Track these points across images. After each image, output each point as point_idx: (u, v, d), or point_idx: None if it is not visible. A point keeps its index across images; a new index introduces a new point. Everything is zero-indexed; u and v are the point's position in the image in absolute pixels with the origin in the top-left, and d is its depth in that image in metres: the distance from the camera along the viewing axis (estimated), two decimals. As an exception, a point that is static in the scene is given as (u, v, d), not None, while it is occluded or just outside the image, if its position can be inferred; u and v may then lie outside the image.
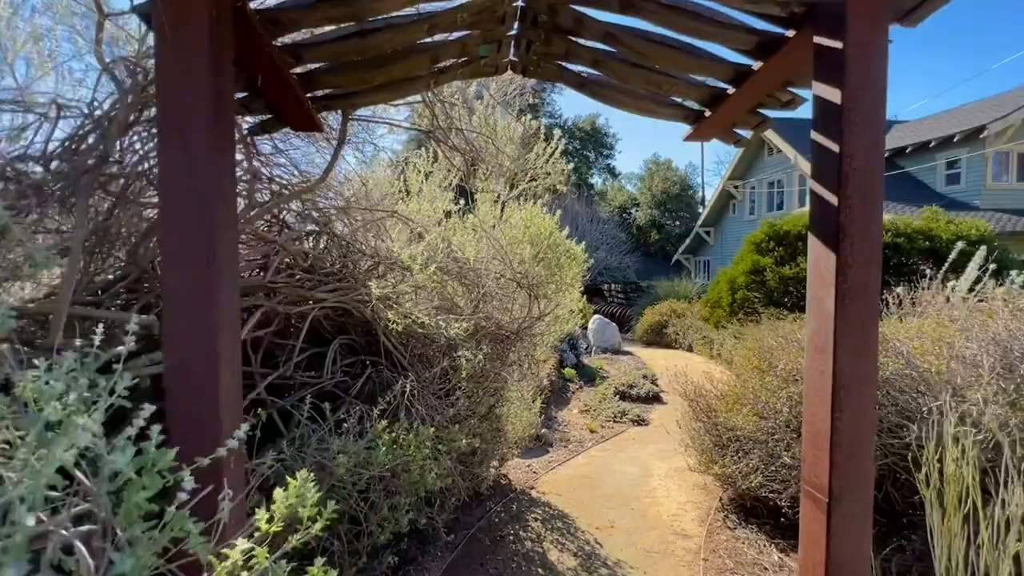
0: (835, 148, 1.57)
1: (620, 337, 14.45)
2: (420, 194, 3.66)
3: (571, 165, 4.34)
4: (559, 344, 11.56)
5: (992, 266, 5.04)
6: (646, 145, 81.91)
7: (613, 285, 31.85)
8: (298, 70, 2.10)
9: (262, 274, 3.00)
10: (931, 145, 15.95)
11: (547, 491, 5.27)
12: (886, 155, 17.88)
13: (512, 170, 4.08)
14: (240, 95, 2.21)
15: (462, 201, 3.68)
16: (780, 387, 4.45)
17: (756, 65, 2.00)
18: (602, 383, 10.29)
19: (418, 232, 3.34)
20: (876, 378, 1.59)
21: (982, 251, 5.28)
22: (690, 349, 14.34)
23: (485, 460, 4.27)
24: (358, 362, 3.51)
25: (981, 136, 14.56)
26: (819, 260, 1.67)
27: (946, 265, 5.20)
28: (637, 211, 36.99)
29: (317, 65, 2.16)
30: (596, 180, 35.59)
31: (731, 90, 2.19)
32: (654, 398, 9.08)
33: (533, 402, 5.36)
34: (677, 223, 34.10)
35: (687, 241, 26.30)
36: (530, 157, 4.41)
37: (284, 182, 3.13)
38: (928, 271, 5.37)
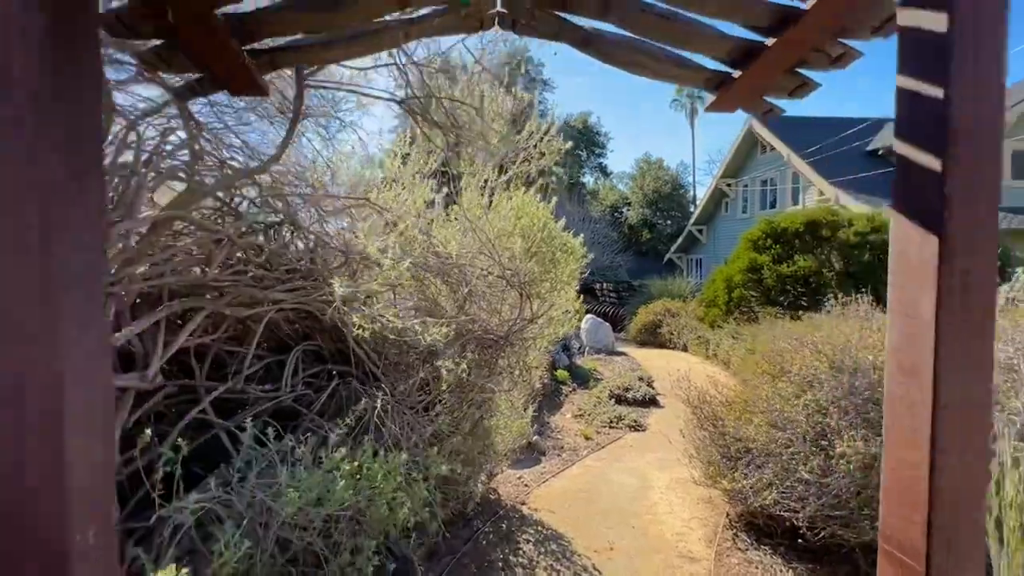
0: (936, 93, 1.14)
1: (613, 337, 14.08)
2: (397, 182, 3.23)
3: (569, 144, 3.91)
4: (551, 346, 11.15)
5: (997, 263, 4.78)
6: (638, 144, 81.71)
7: (605, 284, 31.47)
8: (227, 9, 1.65)
9: (204, 271, 2.54)
10: (926, 142, 15.70)
11: (540, 507, 4.84)
12: (879, 152, 17.68)
13: (500, 150, 3.65)
14: (154, 44, 1.75)
15: (444, 190, 3.25)
16: (796, 394, 4.05)
17: (807, 3, 1.58)
18: (596, 385, 9.89)
19: (393, 222, 2.90)
20: (992, 408, 1.20)
21: None
22: (685, 349, 14.00)
23: (472, 477, 3.84)
24: (324, 372, 3.06)
25: (977, 133, 14.33)
26: (908, 246, 1.23)
27: None
28: (629, 210, 36.66)
29: (251, 9, 1.71)
30: (588, 179, 35.27)
31: (768, 42, 1.76)
32: (651, 402, 8.69)
33: (525, 410, 4.93)
34: (669, 222, 33.82)
35: (679, 240, 26.02)
36: (522, 136, 3.97)
37: (239, 166, 2.68)
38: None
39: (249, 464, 2.02)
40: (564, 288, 3.33)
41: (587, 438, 6.94)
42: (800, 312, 10.24)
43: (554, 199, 3.74)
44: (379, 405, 2.62)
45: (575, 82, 61.52)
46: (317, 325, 3.04)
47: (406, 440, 2.59)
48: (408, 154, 3.21)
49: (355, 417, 2.51)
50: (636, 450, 6.56)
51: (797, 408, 3.94)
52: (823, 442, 3.73)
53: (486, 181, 3.60)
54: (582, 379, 10.50)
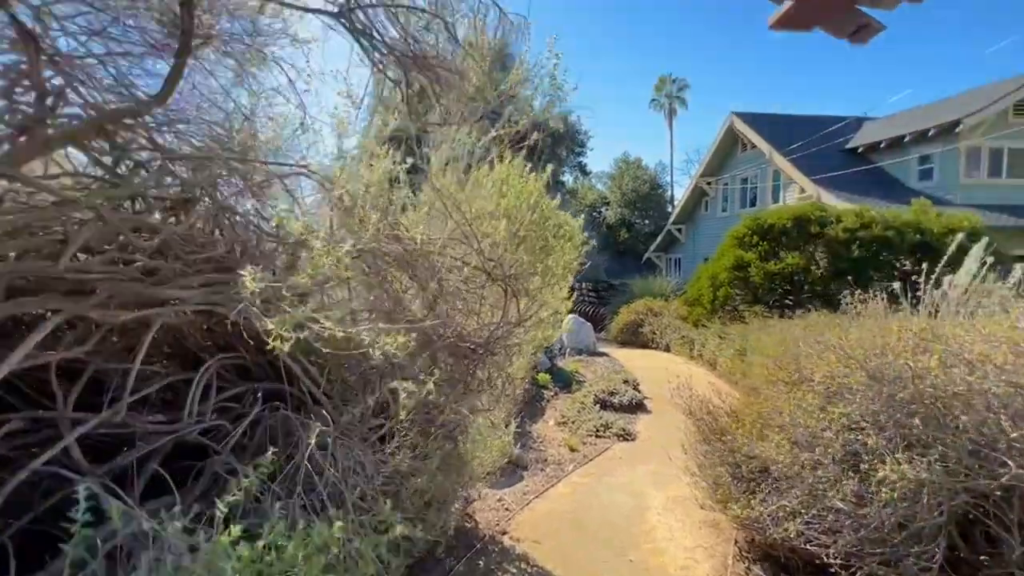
0: None
1: (595, 337, 13.53)
2: (346, 153, 2.53)
3: (574, 85, 3.25)
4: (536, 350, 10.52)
5: (990, 259, 4.34)
6: (617, 143, 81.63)
7: (584, 284, 31.06)
8: None
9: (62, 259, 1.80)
10: (905, 140, 15.61)
11: (522, 536, 4.18)
12: (859, 150, 17.57)
13: (481, 101, 2.98)
14: None
15: (410, 159, 2.57)
16: (821, 407, 3.48)
17: None
18: (579, 389, 9.29)
19: (341, 199, 2.20)
20: None
21: (982, 243, 4.53)
22: (667, 349, 13.53)
23: (443, 508, 3.16)
24: (249, 394, 2.34)
25: (956, 131, 14.26)
26: None
27: (944, 259, 4.44)
28: (607, 210, 36.32)
29: None
30: (567, 178, 34.76)
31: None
32: (638, 406, 8.12)
33: (507, 426, 4.28)
34: (647, 222, 33.60)
35: (659, 239, 25.71)
36: (509, 80, 3.29)
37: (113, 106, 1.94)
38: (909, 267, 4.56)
39: (93, 550, 1.30)
40: (558, 283, 2.68)
41: (573, 449, 6.32)
42: (788, 311, 9.86)
43: (549, 167, 3.08)
44: (314, 440, 1.92)
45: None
46: (237, 331, 2.31)
47: (351, 489, 1.90)
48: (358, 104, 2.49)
49: (278, 459, 1.81)
50: (627, 463, 5.97)
51: (822, 423, 3.37)
52: (859, 464, 3.17)
53: (465, 146, 2.91)
54: (564, 382, 9.89)
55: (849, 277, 10.17)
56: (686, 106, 36.58)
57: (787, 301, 10.64)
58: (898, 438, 3.09)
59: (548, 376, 9.63)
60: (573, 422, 7.33)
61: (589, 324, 13.38)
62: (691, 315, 12.56)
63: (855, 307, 4.77)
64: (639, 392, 8.77)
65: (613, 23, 60.70)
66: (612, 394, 8.28)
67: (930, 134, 14.93)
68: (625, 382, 9.06)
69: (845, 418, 3.28)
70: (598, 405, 7.92)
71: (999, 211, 13.93)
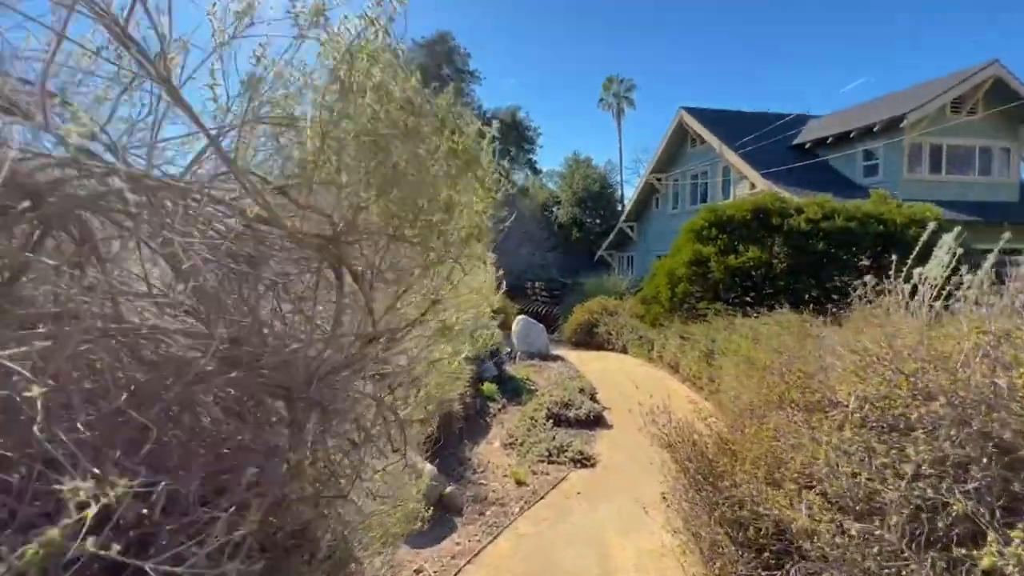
0: None
1: (547, 339, 12.38)
2: None
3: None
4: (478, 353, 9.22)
5: (959, 251, 3.56)
6: (567, 142, 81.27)
7: (536, 283, 30.06)
8: None
9: None
10: (851, 135, 15.39)
11: (446, 635, 2.88)
12: (806, 145, 17.32)
13: None
14: None
15: None
16: (865, 445, 2.36)
17: None
18: (530, 400, 8.07)
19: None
20: None
21: (953, 234, 3.71)
22: (624, 351, 12.56)
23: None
24: None
25: (901, 126, 14.07)
26: None
27: (914, 251, 3.67)
28: (559, 209, 35.54)
29: None
30: (518, 176, 33.70)
31: None
32: (596, 421, 6.97)
33: (418, 478, 2.98)
34: (598, 221, 32.99)
35: (610, 237, 25.00)
36: None
37: None
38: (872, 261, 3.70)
39: None
40: (464, 260, 1.40)
41: (520, 483, 5.06)
42: (750, 309, 9.01)
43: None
44: None
45: (506, 82, 60.09)
46: None
47: None
48: None
49: None
50: (587, 499, 4.76)
51: (881, 472, 2.24)
52: (938, 536, 2.05)
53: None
54: (514, 392, 8.65)
55: (812, 271, 9.47)
56: (634, 106, 36.35)
57: (747, 298, 9.83)
58: (1002, 495, 2.00)
59: (495, 386, 8.35)
60: (522, 443, 6.08)
61: (541, 325, 12.22)
62: (648, 314, 11.62)
63: (859, 308, 3.74)
64: (597, 403, 7.64)
65: (563, 22, 60.19)
66: (567, 406, 7.09)
67: (875, 129, 14.71)
68: (581, 391, 7.91)
69: (925, 458, 2.17)
70: (551, 420, 6.71)
71: (941, 207, 13.85)
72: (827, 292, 10.18)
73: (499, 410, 7.79)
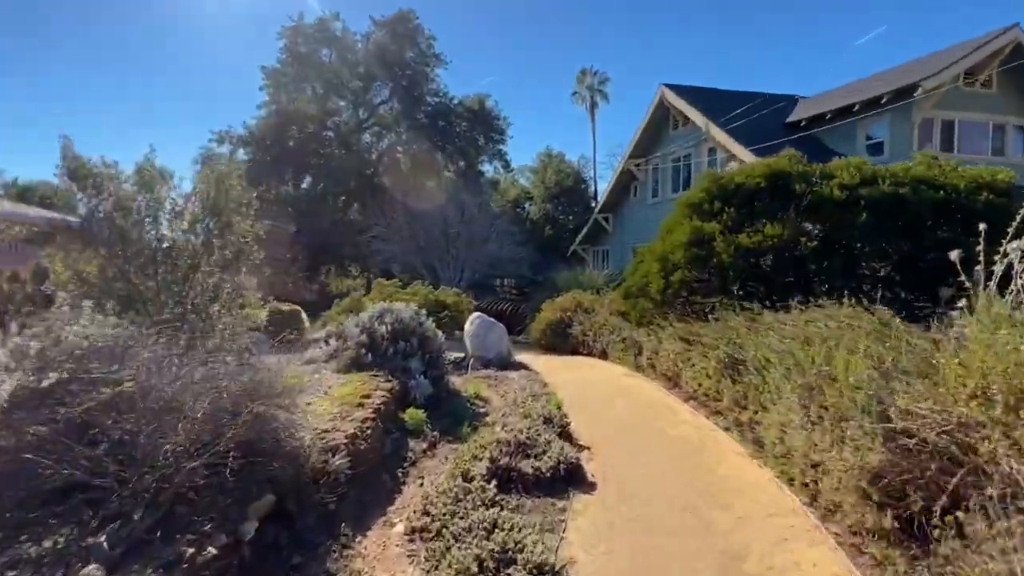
0: None
1: (509, 342, 9.61)
2: None
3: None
4: (403, 362, 6.39)
5: None
6: (539, 136, 77.90)
7: (506, 280, 27.43)
8: None
9: None
10: (855, 109, 13.13)
11: None
12: (802, 123, 15.03)
13: None
14: None
15: None
16: None
17: None
18: (473, 436, 5.31)
19: None
20: None
21: None
22: (604, 355, 9.90)
23: None
24: None
25: (915, 94, 11.84)
26: None
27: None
28: (531, 205, 33.12)
29: None
30: (487, 168, 30.92)
31: None
32: (569, 475, 4.20)
33: None
34: (571, 217, 30.55)
35: (584, 229, 22.49)
36: None
37: None
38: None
39: None
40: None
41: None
42: (776, 302, 6.47)
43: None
44: None
45: (483, 80, 57.12)
46: None
47: None
48: None
49: None
50: None
51: None
52: None
53: None
54: (453, 420, 5.85)
55: (847, 252, 6.98)
56: (607, 99, 34.06)
57: (762, 288, 7.29)
58: None
59: (421, 414, 5.51)
60: (439, 534, 3.29)
61: (501, 326, 9.44)
62: (634, 311, 8.98)
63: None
64: (570, 440, 4.92)
65: (535, 12, 57.30)
66: (525, 449, 4.34)
67: (883, 101, 12.45)
68: (547, 421, 5.15)
69: None
70: (495, 480, 3.92)
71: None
72: (876, 279, 7.76)
73: (424, 452, 4.98)
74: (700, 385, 5.89)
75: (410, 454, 4.84)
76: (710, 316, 7.23)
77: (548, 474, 4.02)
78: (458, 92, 28.58)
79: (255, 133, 24.66)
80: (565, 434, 5.04)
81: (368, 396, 5.14)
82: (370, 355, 6.21)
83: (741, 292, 7.58)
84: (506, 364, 8.97)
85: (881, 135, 13.13)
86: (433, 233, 21.30)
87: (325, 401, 4.88)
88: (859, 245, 6.95)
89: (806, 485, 3.63)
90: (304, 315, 8.73)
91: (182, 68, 59.66)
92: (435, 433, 5.41)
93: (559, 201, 31.27)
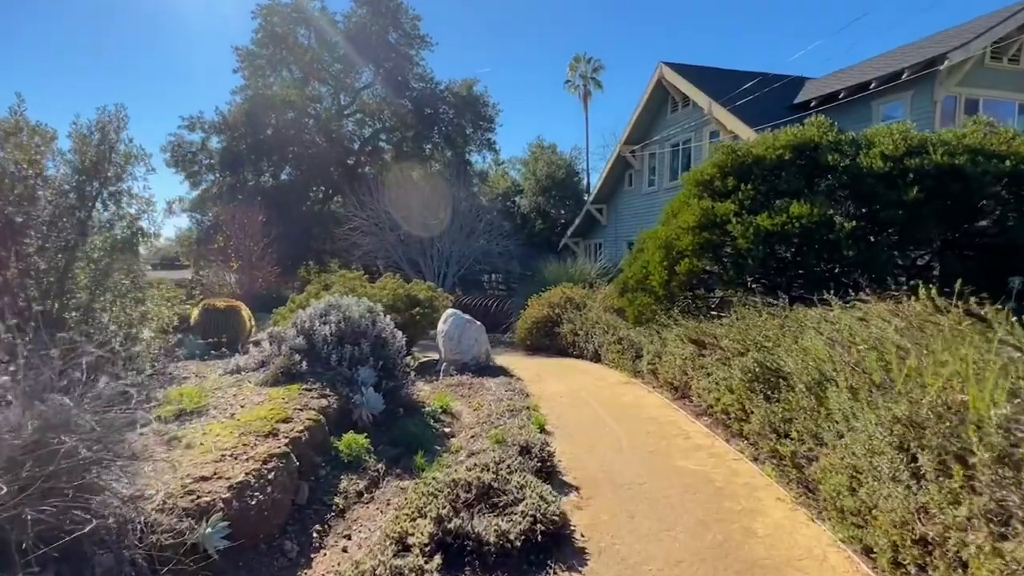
0: None
1: (487, 343, 8.34)
2: None
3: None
4: (349, 371, 5.11)
5: None
6: (529, 128, 75.47)
7: (494, 275, 26.14)
8: None
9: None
10: (871, 86, 11.94)
11: None
12: (810, 104, 13.85)
13: None
14: None
15: None
16: None
17: None
18: (430, 465, 4.09)
19: None
20: None
21: None
22: (596, 358, 8.68)
23: None
24: None
25: (941, 67, 10.67)
26: None
27: None
28: (521, 198, 31.83)
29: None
30: (476, 158, 29.56)
31: None
32: (550, 544, 2.93)
33: None
34: (563, 211, 29.31)
35: (576, 222, 21.27)
36: None
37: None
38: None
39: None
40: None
41: None
42: (803, 296, 5.31)
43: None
44: None
45: (462, 58, 55.29)
46: None
47: None
48: None
49: None
50: None
51: None
52: None
53: None
54: (410, 443, 4.59)
55: (892, 236, 5.79)
56: (601, 88, 32.71)
57: (780, 280, 6.11)
58: None
59: (364, 440, 4.23)
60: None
61: (479, 324, 8.16)
62: (632, 307, 7.75)
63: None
64: (552, 477, 3.67)
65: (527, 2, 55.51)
66: (489, 496, 3.11)
67: (904, 77, 11.27)
68: (524, 451, 3.91)
69: None
70: (441, 553, 2.66)
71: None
72: (929, 268, 6.56)
73: (360, 495, 3.72)
74: (718, 400, 4.66)
75: (338, 500, 3.57)
76: (720, 313, 6.03)
77: (519, 543, 2.76)
78: (443, 73, 27.16)
79: (228, 119, 23.12)
80: (547, 469, 3.79)
81: (287, 420, 3.87)
82: (305, 363, 4.93)
83: (758, 285, 6.40)
84: (484, 369, 7.71)
85: (899, 116, 11.95)
86: (417, 226, 19.96)
87: (226, 429, 3.60)
88: (903, 228, 5.76)
89: (900, 565, 2.41)
90: (246, 313, 7.40)
91: (146, 44, 56.78)
92: (380, 465, 4.16)
93: (551, 194, 30.00)
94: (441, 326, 8.09)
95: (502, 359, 8.95)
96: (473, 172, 27.86)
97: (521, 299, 14.76)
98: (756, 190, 6.38)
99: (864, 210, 5.89)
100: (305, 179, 25.08)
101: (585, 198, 27.68)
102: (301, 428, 3.79)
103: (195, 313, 6.89)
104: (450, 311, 8.23)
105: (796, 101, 13.99)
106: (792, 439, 3.41)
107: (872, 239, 5.69)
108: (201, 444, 3.29)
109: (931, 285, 3.27)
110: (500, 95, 46.53)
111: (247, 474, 2.97)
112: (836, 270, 5.84)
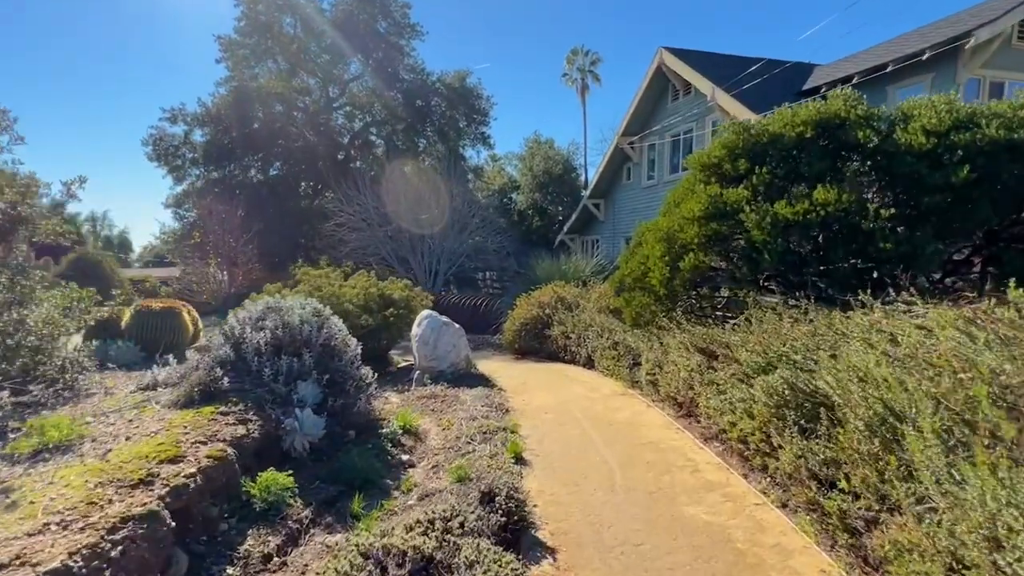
0: None
1: (467, 347, 7.41)
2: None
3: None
4: (286, 388, 4.19)
5: None
6: (526, 122, 74.16)
7: (489, 273, 25.22)
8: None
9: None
10: (887, 68, 11.00)
11: None
12: (821, 90, 12.89)
13: None
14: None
15: None
16: None
17: None
18: (367, 517, 3.16)
19: None
20: None
21: None
22: (590, 363, 7.77)
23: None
24: None
25: (967, 46, 9.74)
26: None
27: None
28: (518, 195, 30.89)
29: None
30: (470, 152, 28.55)
31: None
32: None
33: None
34: (560, 208, 28.36)
35: (573, 217, 20.37)
36: None
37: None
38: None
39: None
40: None
41: None
42: (828, 297, 4.42)
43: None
44: None
45: (457, 52, 54.07)
46: None
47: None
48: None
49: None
50: None
51: None
52: None
53: None
54: (351, 478, 3.67)
55: (950, 220, 4.87)
56: (599, 82, 31.78)
57: (801, 279, 5.21)
58: None
59: (285, 479, 3.31)
60: None
61: (457, 327, 7.24)
62: (629, 307, 6.84)
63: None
64: (524, 527, 2.77)
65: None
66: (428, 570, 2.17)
67: (925, 57, 10.33)
68: (486, 499, 3.00)
69: None
70: None
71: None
72: (969, 263, 5.57)
73: (269, 557, 2.81)
74: (733, 425, 3.75)
75: (233, 572, 2.65)
76: (727, 314, 5.13)
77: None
78: (435, 64, 26.13)
79: (212, 112, 22.13)
80: (514, 525, 2.88)
81: (177, 459, 2.95)
82: (227, 379, 4.02)
83: (772, 283, 5.51)
84: (463, 377, 6.80)
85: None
86: (408, 222, 19.02)
87: (83, 475, 2.68)
88: (943, 216, 4.84)
89: None
90: (189, 316, 6.47)
91: (126, 33, 55.23)
92: (307, 512, 3.25)
93: (548, 191, 29.05)
94: (415, 329, 7.17)
95: (486, 365, 8.04)
96: (467, 167, 26.91)
97: (509, 297, 13.85)
98: (772, 174, 5.47)
99: (901, 195, 4.98)
100: (295, 174, 24.11)
101: (583, 194, 26.78)
102: (193, 471, 2.88)
103: (127, 316, 5.97)
104: (425, 312, 7.31)
105: (805, 87, 13.06)
106: (842, 495, 2.50)
107: (914, 229, 4.78)
108: (31, 503, 2.38)
109: (983, 282, 2.44)
110: (498, 93, 45.39)
111: (72, 555, 2.05)
112: (868, 266, 4.93)
